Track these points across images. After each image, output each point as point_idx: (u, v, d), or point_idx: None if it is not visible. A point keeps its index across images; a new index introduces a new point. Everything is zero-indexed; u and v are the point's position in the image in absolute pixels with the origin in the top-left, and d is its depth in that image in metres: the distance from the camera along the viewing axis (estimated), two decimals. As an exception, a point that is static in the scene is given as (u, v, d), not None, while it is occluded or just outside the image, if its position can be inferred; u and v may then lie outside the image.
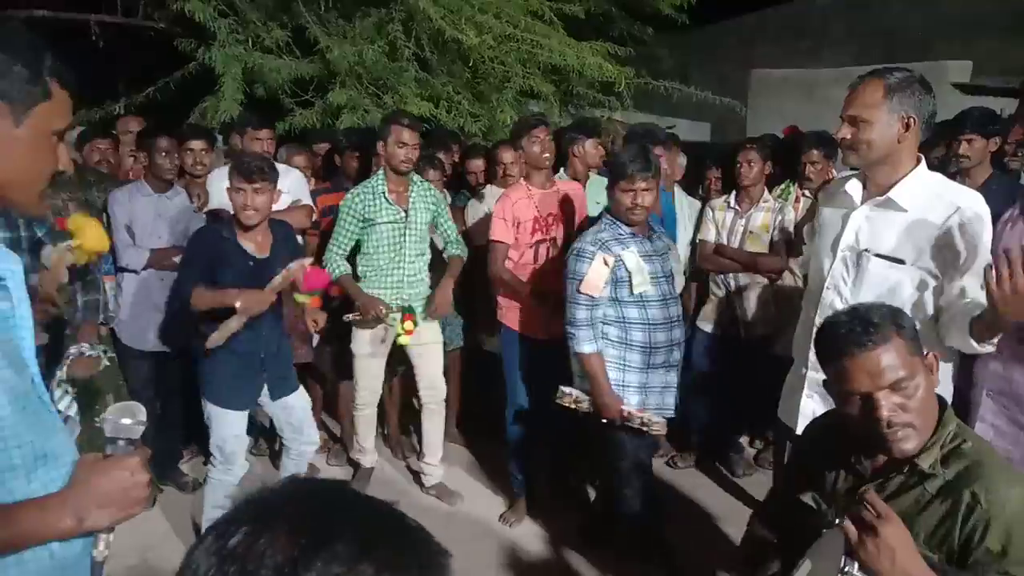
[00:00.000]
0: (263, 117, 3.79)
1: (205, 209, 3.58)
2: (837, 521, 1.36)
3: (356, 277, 3.51)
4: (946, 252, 2.02)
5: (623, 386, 2.85)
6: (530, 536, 3.43)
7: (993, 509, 1.32)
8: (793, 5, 11.01)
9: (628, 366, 2.85)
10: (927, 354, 1.47)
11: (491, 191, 3.97)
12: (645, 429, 2.80)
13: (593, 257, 2.77)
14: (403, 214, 3.45)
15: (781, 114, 7.14)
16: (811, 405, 2.29)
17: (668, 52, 7.45)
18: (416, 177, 3.55)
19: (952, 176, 3.65)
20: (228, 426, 2.89)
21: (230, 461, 2.91)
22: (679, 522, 3.62)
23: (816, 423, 1.79)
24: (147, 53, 5.85)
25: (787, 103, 7.96)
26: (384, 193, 3.42)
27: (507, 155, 3.96)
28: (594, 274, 2.74)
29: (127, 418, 1.20)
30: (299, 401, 3.09)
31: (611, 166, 2.74)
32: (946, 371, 2.04)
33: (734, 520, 3.57)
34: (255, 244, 2.88)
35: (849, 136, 2.07)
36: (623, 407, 2.80)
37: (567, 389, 2.95)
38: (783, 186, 4.07)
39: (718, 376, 3.95)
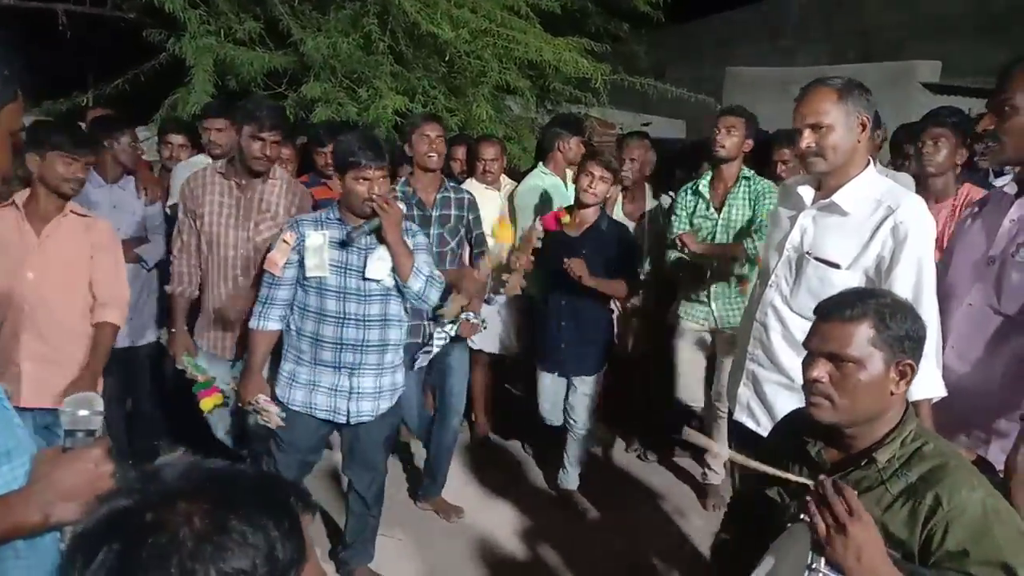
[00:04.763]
0: (223, 106, 3.72)
1: (168, 203, 3.52)
2: (803, 516, 1.36)
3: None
4: (877, 256, 2.06)
5: (294, 380, 2.71)
6: (504, 532, 3.43)
7: (954, 512, 1.33)
8: (769, 4, 11.09)
9: (300, 358, 2.70)
10: (901, 362, 1.44)
11: (471, 186, 3.95)
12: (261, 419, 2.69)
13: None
14: None
15: (755, 112, 7.18)
16: (746, 394, 2.40)
17: (644, 49, 7.46)
18: None
19: (919, 175, 3.71)
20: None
21: None
22: (648, 515, 3.65)
23: (782, 420, 1.81)
24: (116, 43, 5.73)
25: (761, 101, 7.98)
26: None
27: (489, 151, 3.95)
28: (277, 251, 2.63)
29: (84, 409, 1.18)
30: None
31: (337, 155, 2.62)
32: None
33: (705, 514, 3.61)
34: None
35: (814, 144, 2.08)
36: (260, 396, 2.67)
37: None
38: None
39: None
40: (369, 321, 2.64)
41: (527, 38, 5.01)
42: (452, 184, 3.46)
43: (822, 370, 1.47)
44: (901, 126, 4.32)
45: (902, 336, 1.43)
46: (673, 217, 3.66)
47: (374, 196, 2.52)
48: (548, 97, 6.04)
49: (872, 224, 2.08)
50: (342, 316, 2.62)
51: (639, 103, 7.35)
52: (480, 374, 4.15)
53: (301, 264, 2.62)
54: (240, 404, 2.75)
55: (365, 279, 2.61)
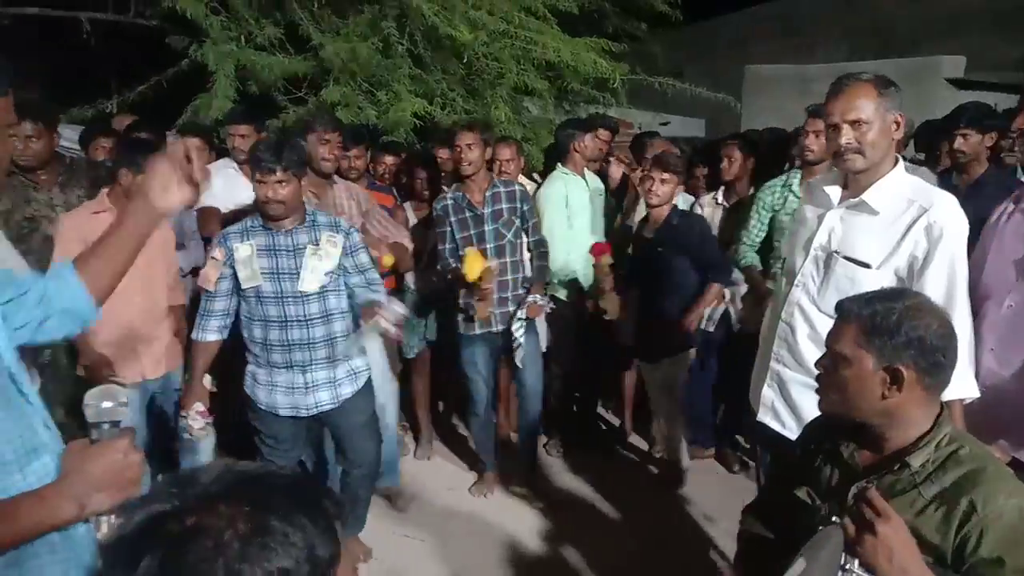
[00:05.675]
0: (246, 112, 3.77)
1: (196, 206, 3.56)
2: (835, 519, 1.35)
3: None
4: (910, 256, 2.02)
5: (255, 381, 2.82)
6: (527, 533, 3.43)
7: (989, 518, 1.30)
8: (786, 2, 11.03)
9: (257, 361, 2.81)
10: (891, 367, 1.39)
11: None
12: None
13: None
14: None
15: (775, 110, 7.16)
16: (770, 395, 2.36)
17: (662, 48, 7.44)
18: None
19: (948, 171, 3.67)
20: None
21: None
22: (673, 518, 3.63)
23: (814, 421, 1.79)
24: (140, 50, 5.81)
25: (780, 99, 7.97)
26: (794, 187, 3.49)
27: (504, 151, 3.95)
28: (209, 268, 2.74)
29: (108, 401, 1.20)
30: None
31: (250, 159, 2.73)
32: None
33: (729, 516, 3.58)
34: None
35: (855, 141, 2.03)
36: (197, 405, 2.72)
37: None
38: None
39: (710, 372, 3.96)
40: (311, 320, 2.71)
41: (545, 39, 5.02)
42: (502, 180, 3.58)
43: (821, 363, 1.54)
44: (925, 122, 4.28)
45: (901, 342, 1.39)
46: (754, 214, 3.60)
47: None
48: (566, 98, 6.03)
49: (904, 223, 2.03)
50: (284, 319, 2.69)
51: (658, 102, 7.34)
52: (503, 376, 4.16)
53: (236, 276, 2.70)
54: (180, 410, 2.81)
55: (298, 285, 2.69)
